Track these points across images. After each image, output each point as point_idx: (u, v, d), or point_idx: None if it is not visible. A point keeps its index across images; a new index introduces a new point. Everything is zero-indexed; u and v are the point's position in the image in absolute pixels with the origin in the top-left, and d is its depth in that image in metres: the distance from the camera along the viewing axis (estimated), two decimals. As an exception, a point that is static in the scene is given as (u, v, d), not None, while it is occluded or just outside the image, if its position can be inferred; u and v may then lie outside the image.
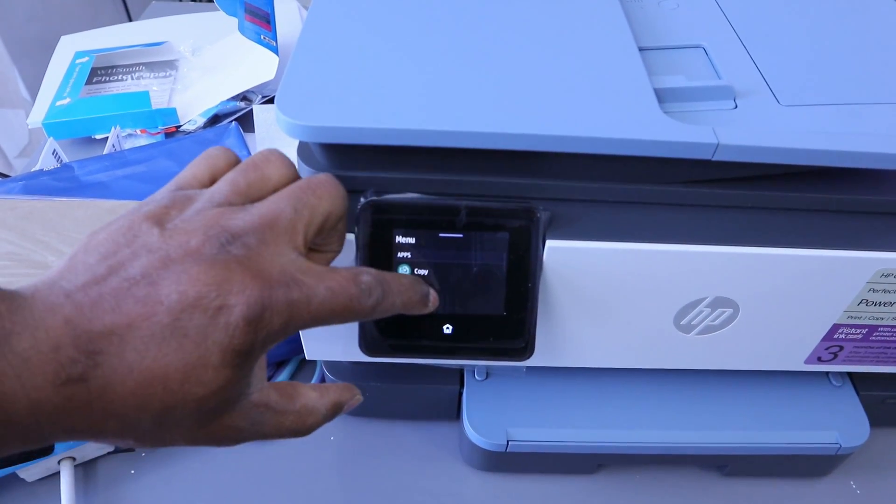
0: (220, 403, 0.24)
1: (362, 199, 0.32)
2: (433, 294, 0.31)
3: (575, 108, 0.32)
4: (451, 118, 0.31)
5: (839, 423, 0.42)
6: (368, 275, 0.27)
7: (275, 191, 0.27)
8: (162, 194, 0.26)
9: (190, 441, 0.25)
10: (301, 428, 0.28)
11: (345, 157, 0.33)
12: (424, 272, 0.33)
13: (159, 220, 0.24)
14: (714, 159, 0.31)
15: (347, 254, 0.33)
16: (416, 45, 0.35)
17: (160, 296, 0.22)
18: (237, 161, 0.29)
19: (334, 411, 0.29)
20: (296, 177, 0.28)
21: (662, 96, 0.33)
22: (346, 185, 0.34)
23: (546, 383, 0.43)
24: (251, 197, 0.27)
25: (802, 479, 0.45)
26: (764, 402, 0.43)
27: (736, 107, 0.34)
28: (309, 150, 0.34)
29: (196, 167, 0.28)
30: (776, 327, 0.37)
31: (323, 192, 0.27)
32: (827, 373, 0.45)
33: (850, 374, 0.45)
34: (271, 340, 0.24)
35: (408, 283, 0.29)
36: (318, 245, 0.29)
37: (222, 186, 0.27)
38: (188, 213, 0.25)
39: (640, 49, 0.36)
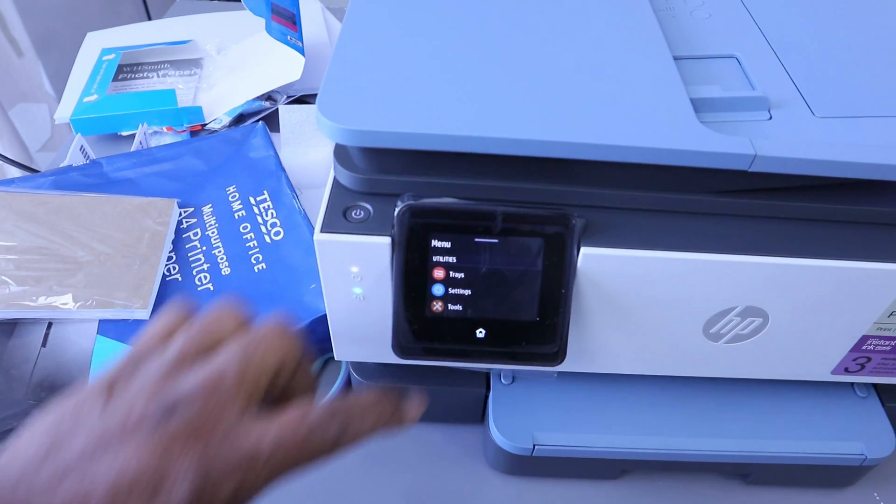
0: None
1: (399, 203, 0.33)
2: (412, 406, 0.28)
3: (613, 116, 0.32)
4: (490, 125, 0.31)
5: (864, 434, 0.42)
6: (320, 409, 0.25)
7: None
8: (115, 362, 0.26)
9: None
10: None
11: (383, 161, 0.34)
12: (460, 276, 0.33)
13: (106, 391, 0.24)
14: (751, 170, 0.31)
15: (383, 258, 0.33)
16: (454, 51, 0.36)
17: (95, 482, 0.21)
18: (192, 316, 0.29)
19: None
20: (248, 330, 0.28)
21: (698, 106, 0.33)
22: (382, 188, 0.34)
23: (571, 388, 0.43)
24: (199, 358, 0.26)
25: (825, 489, 0.45)
26: (788, 412, 0.43)
27: (771, 118, 0.35)
28: (346, 153, 0.35)
29: (153, 326, 0.28)
30: (805, 338, 0.37)
31: (271, 346, 0.26)
32: (852, 383, 0.45)
33: (875, 385, 0.45)
34: None
35: (373, 400, 0.27)
36: (287, 392, 0.28)
37: (171, 350, 0.26)
38: (134, 384, 0.24)
39: (675, 58, 0.36)
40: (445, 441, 0.47)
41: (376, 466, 0.46)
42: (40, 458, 0.22)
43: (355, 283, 0.35)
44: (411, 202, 0.32)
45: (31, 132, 1.16)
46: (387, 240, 0.33)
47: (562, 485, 0.45)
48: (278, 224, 0.53)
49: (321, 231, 0.33)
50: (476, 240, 0.33)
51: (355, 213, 0.34)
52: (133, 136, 0.65)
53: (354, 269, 0.34)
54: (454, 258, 0.33)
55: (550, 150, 0.31)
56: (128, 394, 0.24)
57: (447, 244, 0.33)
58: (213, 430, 0.23)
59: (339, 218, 0.34)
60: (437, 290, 0.34)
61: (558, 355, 0.35)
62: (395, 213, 0.33)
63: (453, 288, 0.34)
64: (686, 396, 0.43)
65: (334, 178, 0.36)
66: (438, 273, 0.33)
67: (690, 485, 0.45)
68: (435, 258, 0.33)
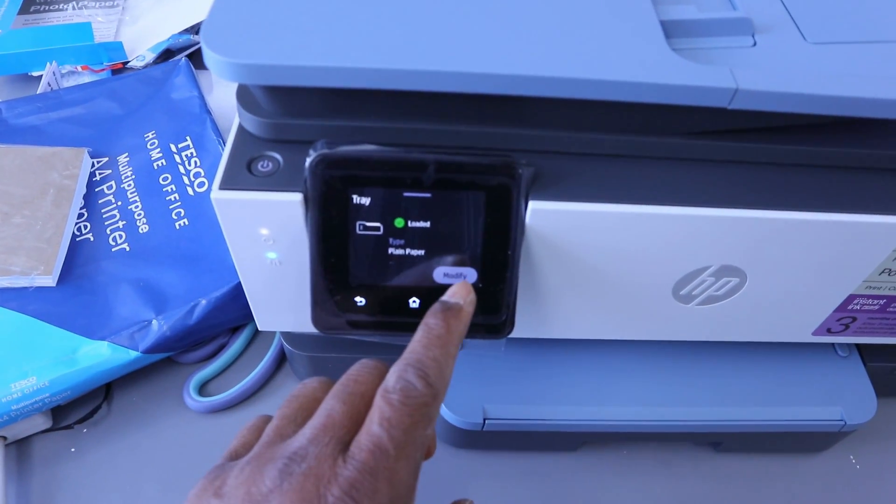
0: None
1: (312, 152, 0.27)
2: (456, 295, 0.27)
3: (565, 43, 0.27)
4: (416, 55, 0.26)
5: (844, 398, 0.39)
6: (391, 377, 0.24)
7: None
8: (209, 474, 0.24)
9: None
10: None
11: (291, 102, 0.28)
12: (387, 238, 0.28)
13: (214, 491, 0.22)
14: (730, 107, 0.26)
15: (297, 218, 0.28)
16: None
17: None
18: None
19: None
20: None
21: (669, 30, 0.28)
22: (294, 134, 0.29)
23: (527, 355, 0.39)
24: (300, 423, 0.25)
25: (799, 454, 0.42)
26: (764, 375, 0.40)
27: (755, 44, 0.29)
28: (250, 95, 0.29)
29: (242, 437, 0.26)
30: (786, 298, 0.33)
31: (362, 374, 0.25)
32: (833, 343, 0.41)
33: (857, 344, 0.41)
34: None
35: (424, 333, 0.26)
36: None
37: (268, 429, 0.25)
38: (238, 468, 0.23)
39: (643, -27, 0.31)
40: (390, 414, 0.42)
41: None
42: None
43: (268, 248, 0.30)
44: (325, 151, 0.27)
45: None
46: (298, 196, 0.27)
47: (518, 458, 0.41)
48: (202, 174, 0.47)
49: (220, 188, 0.28)
50: (405, 194, 0.27)
51: (262, 165, 0.28)
52: (44, 76, 0.57)
53: (264, 232, 0.29)
54: (379, 217, 0.28)
55: (491, 86, 0.26)
56: (237, 479, 0.22)
57: (370, 200, 0.28)
58: (336, 459, 0.22)
59: (243, 171, 0.28)
60: (361, 254, 0.28)
61: (505, 326, 0.30)
62: (307, 164, 0.27)
63: (380, 252, 0.28)
64: (652, 362, 0.39)
65: (239, 124, 0.30)
66: (361, 235, 0.28)
67: (657, 454, 0.42)
68: (356, 217, 0.28)
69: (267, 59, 0.25)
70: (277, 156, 0.29)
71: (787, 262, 0.31)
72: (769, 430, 0.39)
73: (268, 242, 0.30)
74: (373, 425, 0.23)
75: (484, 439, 0.39)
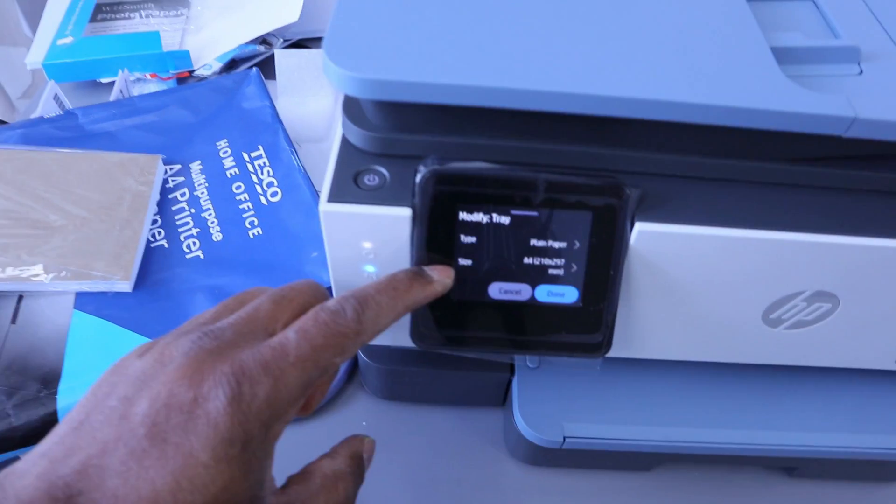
0: None
1: (422, 167, 0.27)
2: (434, 270, 0.28)
3: (679, 66, 0.27)
4: (530, 75, 0.26)
5: (925, 428, 0.38)
6: (333, 300, 0.25)
7: None
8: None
9: None
10: (340, 498, 0.26)
11: (402, 117, 0.28)
12: (492, 255, 0.28)
13: (143, 348, 0.24)
14: (846, 136, 0.26)
15: (402, 232, 0.28)
16: (487, -14, 0.30)
17: (133, 412, 0.21)
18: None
19: (357, 463, 0.28)
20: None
21: (780, 57, 0.28)
22: (400, 149, 0.29)
23: (604, 373, 0.39)
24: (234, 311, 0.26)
25: (875, 482, 0.42)
26: (844, 400, 0.39)
27: (861, 72, 0.29)
28: (357, 107, 0.30)
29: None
30: (875, 325, 0.33)
31: (302, 286, 0.27)
32: (912, 370, 0.41)
33: (937, 373, 0.41)
34: (266, 418, 0.22)
35: (385, 280, 0.27)
36: None
37: (206, 311, 0.27)
38: (166, 338, 0.24)
39: (745, -1, 0.31)
40: (458, 426, 0.42)
41: (383, 453, 0.41)
42: (80, 419, 0.22)
43: (367, 261, 0.30)
44: (436, 167, 0.27)
45: (11, 78, 1.08)
46: (407, 211, 0.28)
47: (588, 476, 0.41)
48: (275, 184, 0.48)
49: (328, 200, 0.28)
50: (512, 212, 0.28)
51: (368, 179, 0.29)
52: (113, 83, 0.58)
53: (367, 245, 0.29)
54: (486, 234, 0.28)
55: (604, 108, 0.26)
56: (163, 342, 0.24)
57: (478, 217, 0.28)
58: (244, 345, 0.23)
59: (350, 184, 0.29)
60: (466, 270, 0.29)
61: (602, 346, 0.30)
62: (417, 179, 0.27)
63: (484, 268, 0.29)
64: (730, 384, 0.39)
65: (343, 136, 0.30)
66: (467, 251, 0.28)
67: (729, 476, 0.41)
68: (463, 233, 0.28)
69: (390, 75, 0.25)
70: (384, 170, 0.29)
71: (882, 290, 0.31)
72: (846, 457, 0.38)
73: (368, 256, 0.30)
74: (289, 330, 0.24)
75: (557, 456, 0.39)
